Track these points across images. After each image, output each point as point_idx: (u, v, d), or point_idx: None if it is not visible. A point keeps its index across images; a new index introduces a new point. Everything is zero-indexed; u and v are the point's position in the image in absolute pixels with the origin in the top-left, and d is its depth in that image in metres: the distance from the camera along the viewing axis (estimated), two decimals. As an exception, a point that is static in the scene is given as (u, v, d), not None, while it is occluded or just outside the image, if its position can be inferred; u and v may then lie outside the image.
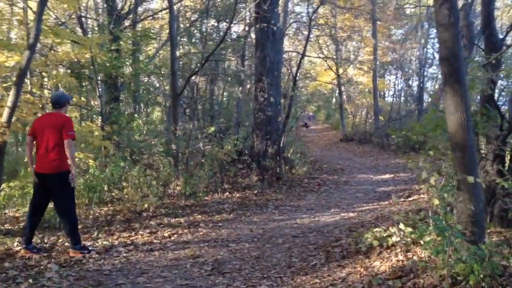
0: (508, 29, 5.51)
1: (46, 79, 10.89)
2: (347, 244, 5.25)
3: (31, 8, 9.31)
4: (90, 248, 5.42)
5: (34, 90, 9.72)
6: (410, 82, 28.45)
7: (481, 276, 3.28)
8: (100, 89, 12.47)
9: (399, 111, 25.92)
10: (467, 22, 6.47)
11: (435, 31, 25.42)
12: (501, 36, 5.38)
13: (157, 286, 4.30)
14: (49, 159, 5.17)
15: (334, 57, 24.69)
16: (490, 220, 4.92)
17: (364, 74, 26.43)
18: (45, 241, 5.75)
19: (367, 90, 28.19)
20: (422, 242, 4.03)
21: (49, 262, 4.86)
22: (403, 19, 26.86)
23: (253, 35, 15.70)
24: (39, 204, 5.37)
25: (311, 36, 19.49)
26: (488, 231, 4.53)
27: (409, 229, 4.30)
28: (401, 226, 4.45)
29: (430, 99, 23.58)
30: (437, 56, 27.44)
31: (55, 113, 5.41)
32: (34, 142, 5.39)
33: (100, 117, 11.19)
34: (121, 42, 12.82)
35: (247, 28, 19.18)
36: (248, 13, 17.82)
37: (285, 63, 17.46)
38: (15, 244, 5.48)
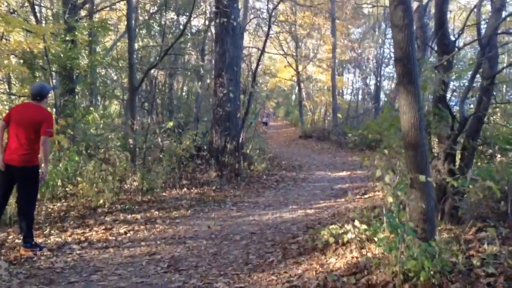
0: (460, 32, 5.69)
1: (-4, 69, 10.47)
2: (304, 241, 5.32)
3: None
4: (41, 245, 5.26)
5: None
6: (367, 81, 29.06)
7: (432, 272, 3.38)
8: (54, 81, 12.07)
9: (357, 109, 26.44)
10: (421, 24, 6.64)
11: (391, 31, 26.01)
12: (453, 38, 5.54)
13: (112, 284, 4.22)
14: (20, 152, 5.02)
15: (294, 54, 24.89)
16: (441, 218, 5.08)
17: (323, 71, 26.78)
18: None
19: (326, 87, 28.58)
20: (376, 239, 4.12)
21: (-3, 260, 4.69)
22: (361, 18, 27.35)
23: (213, 30, 15.60)
24: (2, 198, 5.20)
25: (271, 32, 19.59)
26: (439, 228, 4.68)
27: (364, 226, 4.39)
28: (356, 223, 4.54)
29: (386, 98, 24.17)
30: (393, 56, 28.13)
31: (36, 105, 5.20)
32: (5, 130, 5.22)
33: (54, 110, 10.84)
34: (77, 33, 12.44)
35: (207, 23, 19.03)
36: (208, 7, 17.69)
37: (245, 58, 17.44)
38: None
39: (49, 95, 5.55)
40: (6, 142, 5.25)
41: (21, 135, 5.03)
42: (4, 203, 5.29)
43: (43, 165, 5.22)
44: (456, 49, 5.40)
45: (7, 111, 5.39)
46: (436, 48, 5.65)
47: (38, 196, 7.38)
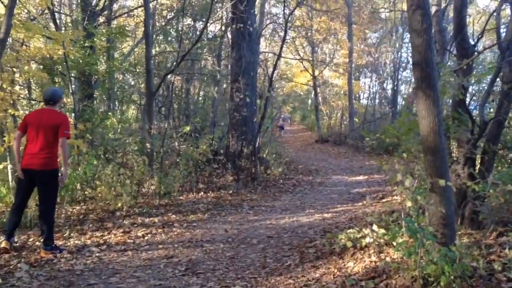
0: (479, 36, 5.64)
1: (17, 75, 10.65)
2: (321, 245, 5.30)
3: (2, 2, 9.10)
4: (61, 248, 5.33)
5: (4, 86, 9.48)
6: (384, 85, 28.87)
7: (452, 277, 3.34)
8: (73, 86, 12.25)
9: (374, 114, 26.27)
10: (439, 28, 6.59)
11: (409, 35, 25.83)
12: (472, 42, 5.49)
13: (130, 286, 4.25)
14: (40, 156, 5.11)
15: (310, 59, 24.87)
16: (461, 222, 5.02)
17: (340, 76, 26.73)
18: (16, 240, 5.61)
19: (342, 92, 28.49)
20: (394, 244, 4.09)
21: (19, 262, 4.77)
22: (378, 23, 27.24)
23: (229, 35, 15.68)
24: (21, 202, 5.30)
25: (288, 37, 19.59)
26: (459, 233, 4.63)
27: (382, 231, 4.37)
28: (375, 227, 4.51)
29: (403, 102, 23.96)
30: (410, 60, 27.91)
31: (50, 110, 5.31)
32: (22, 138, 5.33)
33: (73, 115, 11.00)
34: (95, 39, 12.62)
35: (223, 28, 19.13)
36: (224, 13, 17.79)
37: (261, 63, 17.48)
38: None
39: (62, 99, 5.64)
40: (23, 149, 5.36)
41: (40, 139, 5.12)
42: (23, 207, 5.38)
43: (62, 168, 5.30)
44: (476, 53, 5.35)
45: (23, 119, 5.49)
46: (455, 52, 5.61)
47: (58, 200, 7.55)
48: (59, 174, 5.27)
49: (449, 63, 7.04)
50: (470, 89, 5.93)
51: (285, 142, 22.43)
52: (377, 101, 30.30)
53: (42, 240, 5.23)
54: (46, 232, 5.17)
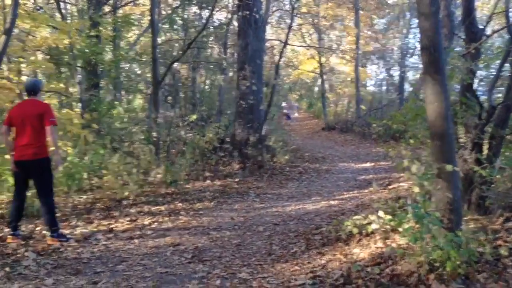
0: (488, 20, 5.55)
1: (23, 65, 10.67)
2: (327, 232, 5.29)
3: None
4: (68, 237, 5.37)
5: (11, 76, 9.51)
6: (391, 72, 28.66)
7: (458, 262, 3.33)
8: (79, 76, 12.26)
9: (381, 101, 26.10)
10: (447, 12, 6.50)
11: (416, 21, 25.60)
12: (481, 27, 5.40)
13: (137, 274, 4.28)
14: (31, 147, 5.14)
15: (317, 46, 24.69)
16: (467, 208, 4.98)
17: (346, 63, 26.50)
18: (23, 229, 5.66)
19: (349, 79, 28.29)
20: (400, 230, 4.07)
21: (26, 250, 4.81)
22: (385, 8, 26.94)
23: (235, 23, 15.58)
24: (21, 192, 5.34)
25: (294, 24, 19.44)
26: (465, 218, 4.59)
27: (388, 217, 4.35)
28: (381, 213, 4.50)
29: (411, 89, 23.78)
30: (418, 46, 27.63)
31: (33, 100, 5.35)
32: (10, 132, 5.33)
33: (80, 104, 11.02)
34: (101, 28, 12.58)
35: (229, 16, 19.01)
36: (230, 1, 17.67)
37: (267, 51, 17.39)
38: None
39: (42, 89, 5.72)
40: (13, 143, 5.38)
41: (28, 131, 5.15)
42: (22, 199, 5.40)
43: (55, 155, 5.32)
44: (485, 36, 5.26)
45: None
46: (463, 37, 5.53)
47: (65, 189, 7.61)
48: (52, 163, 5.30)
49: (457, 48, 6.94)
50: (478, 74, 5.84)
51: (292, 130, 22.33)
52: (384, 88, 30.13)
53: (47, 228, 5.27)
54: (50, 219, 5.21)
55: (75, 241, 5.29)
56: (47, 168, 5.25)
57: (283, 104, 24.75)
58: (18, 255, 4.66)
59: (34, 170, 5.19)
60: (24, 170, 5.21)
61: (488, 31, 6.43)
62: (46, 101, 9.25)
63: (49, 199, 5.30)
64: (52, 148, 5.29)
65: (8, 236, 5.19)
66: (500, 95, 5.94)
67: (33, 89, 5.35)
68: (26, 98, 5.53)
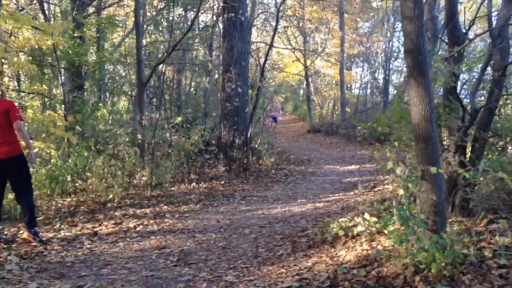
0: (471, 23, 5.62)
1: (5, 66, 10.52)
2: (313, 234, 5.30)
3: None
4: (42, 239, 5.31)
5: (-7, 78, 9.37)
6: (376, 75, 28.85)
7: (443, 264, 3.35)
8: (63, 77, 12.13)
9: (365, 103, 26.28)
10: (431, 16, 6.56)
11: (400, 24, 25.85)
12: (464, 30, 5.47)
13: (122, 277, 4.23)
14: (2, 145, 5.07)
15: (302, 48, 24.76)
16: (451, 210, 5.03)
17: (332, 66, 26.65)
18: (5, 232, 5.57)
19: (334, 82, 28.45)
20: (386, 232, 4.10)
21: (9, 254, 4.74)
22: (369, 12, 27.16)
23: (221, 25, 15.57)
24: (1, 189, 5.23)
25: (279, 27, 19.48)
26: (449, 220, 4.64)
27: (374, 219, 4.37)
28: (366, 216, 4.52)
29: (395, 91, 23.98)
30: (402, 49, 27.92)
31: (3, 99, 5.30)
32: None
33: (63, 106, 10.88)
34: (85, 29, 12.47)
35: (214, 18, 19.00)
36: (216, 2, 17.65)
37: (253, 53, 17.39)
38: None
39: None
40: None
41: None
42: (1, 197, 5.30)
43: (29, 150, 5.28)
44: (467, 40, 5.34)
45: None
46: (446, 40, 5.59)
47: (48, 192, 7.50)
48: (30, 156, 5.27)
49: (440, 52, 7.02)
50: (460, 78, 5.92)
51: (277, 132, 22.39)
52: (368, 90, 30.30)
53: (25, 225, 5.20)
54: (28, 215, 5.16)
55: (58, 245, 5.22)
56: (23, 165, 5.20)
57: (269, 107, 24.60)
58: (0, 259, 4.58)
59: (10, 168, 5.12)
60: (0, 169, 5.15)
61: (471, 34, 6.53)
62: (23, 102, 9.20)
63: (28, 195, 5.25)
64: (23, 144, 5.24)
65: None
66: (482, 98, 6.03)
67: None
68: None
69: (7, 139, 5.09)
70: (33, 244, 5.13)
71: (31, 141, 5.68)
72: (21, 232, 5.62)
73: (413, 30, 3.65)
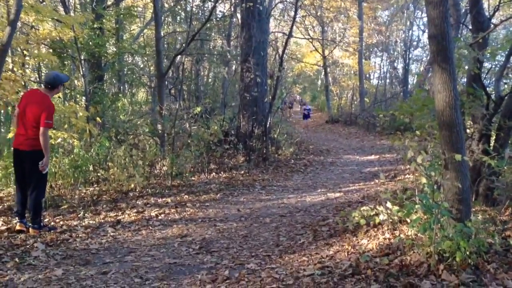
0: (495, 9, 5.52)
1: (27, 58, 10.67)
2: (334, 223, 5.29)
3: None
4: (50, 226, 5.42)
5: (15, 69, 9.51)
6: (395, 64, 28.54)
7: (467, 253, 3.32)
8: (83, 69, 12.28)
9: (384, 93, 26.04)
10: (454, 2, 6.46)
11: (420, 13, 25.48)
12: (488, 16, 5.38)
13: (145, 264, 4.29)
14: (27, 137, 5.16)
15: (320, 38, 24.60)
16: (475, 199, 4.98)
17: (350, 56, 26.44)
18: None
19: (352, 72, 28.23)
20: (408, 221, 4.07)
21: (35, 241, 4.82)
22: (388, 0, 26.80)
23: (239, 15, 15.53)
24: (21, 179, 5.31)
25: (297, 16, 19.37)
26: (473, 210, 4.58)
27: (396, 208, 4.34)
28: (388, 204, 4.48)
29: (415, 80, 23.69)
30: (422, 38, 27.51)
31: (42, 93, 5.29)
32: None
33: (84, 97, 11.01)
34: (104, 20, 12.57)
35: (232, 8, 18.95)
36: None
37: (271, 43, 17.33)
38: (0, 224, 5.42)
39: (62, 86, 5.61)
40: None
41: (26, 123, 5.16)
42: (24, 186, 5.31)
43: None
44: (492, 25, 5.24)
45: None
46: (470, 27, 5.50)
47: (72, 181, 7.62)
48: (40, 162, 5.20)
49: (463, 39, 6.91)
50: (484, 65, 5.81)
51: (296, 123, 22.34)
52: (387, 80, 30.04)
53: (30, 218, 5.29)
54: (33, 211, 5.22)
55: (83, 233, 5.30)
56: (40, 160, 5.20)
57: (301, 102, 24.09)
58: (27, 246, 4.68)
59: (29, 161, 5.16)
60: (19, 158, 5.22)
61: (495, 20, 6.40)
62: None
63: (39, 192, 5.26)
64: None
65: (17, 223, 5.21)
66: (506, 86, 5.92)
67: (51, 82, 5.32)
68: (40, 88, 5.48)
69: (33, 133, 5.11)
70: (31, 233, 5.15)
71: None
72: (46, 220, 5.73)
73: (437, 15, 3.59)
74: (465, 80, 5.68)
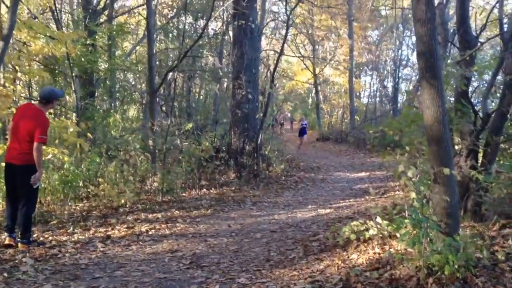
0: (483, 27, 5.65)
1: (19, 74, 10.65)
2: (325, 238, 5.31)
3: (3, 2, 9.13)
4: (39, 242, 5.37)
5: (7, 84, 9.48)
6: (385, 83, 28.86)
7: (456, 266, 3.35)
8: (75, 85, 12.28)
9: (375, 111, 26.27)
10: (442, 21, 6.60)
11: (409, 33, 25.87)
12: (475, 34, 5.50)
13: (135, 279, 4.26)
14: (20, 151, 5.12)
15: (311, 56, 24.86)
16: (463, 214, 5.03)
17: (340, 74, 26.72)
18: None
19: (343, 90, 28.49)
20: (398, 235, 4.10)
21: (24, 256, 4.77)
22: (378, 20, 27.22)
23: (231, 33, 15.69)
24: (12, 193, 5.26)
25: (289, 34, 19.59)
26: (462, 225, 4.63)
27: (386, 222, 4.37)
28: (378, 219, 4.52)
29: (405, 98, 23.96)
30: (411, 57, 27.89)
31: (36, 108, 5.27)
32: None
33: (75, 113, 11.00)
34: (97, 37, 12.63)
35: (224, 26, 19.15)
36: (225, 11, 17.79)
37: (262, 61, 17.49)
38: (-12, 239, 5.37)
39: (56, 101, 5.59)
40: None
41: (20, 137, 5.13)
42: (14, 200, 5.26)
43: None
44: (479, 43, 5.36)
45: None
46: (458, 45, 5.61)
47: (62, 196, 7.56)
48: (32, 176, 5.15)
49: (450, 57, 7.04)
50: (472, 83, 5.93)
51: (287, 140, 22.39)
52: (377, 99, 30.30)
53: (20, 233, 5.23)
54: (22, 226, 5.17)
55: (72, 248, 5.26)
56: (32, 175, 5.15)
57: (279, 115, 24.15)
58: (16, 261, 4.63)
59: (21, 175, 5.11)
60: (11, 172, 5.19)
61: (482, 39, 6.54)
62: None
63: (29, 207, 5.21)
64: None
65: (6, 238, 5.16)
66: (493, 103, 6.03)
67: (46, 97, 5.28)
68: (35, 103, 5.47)
69: (26, 149, 5.08)
70: (20, 248, 5.10)
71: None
72: (35, 235, 5.67)
73: (425, 32, 3.68)
74: (453, 98, 5.77)
